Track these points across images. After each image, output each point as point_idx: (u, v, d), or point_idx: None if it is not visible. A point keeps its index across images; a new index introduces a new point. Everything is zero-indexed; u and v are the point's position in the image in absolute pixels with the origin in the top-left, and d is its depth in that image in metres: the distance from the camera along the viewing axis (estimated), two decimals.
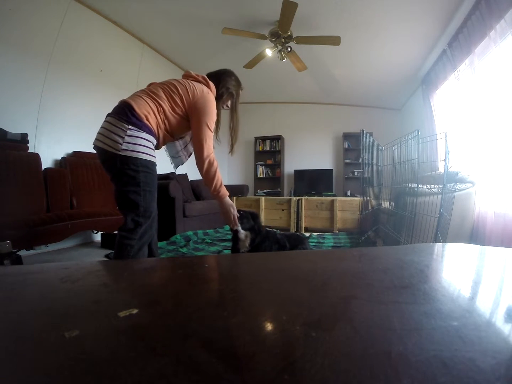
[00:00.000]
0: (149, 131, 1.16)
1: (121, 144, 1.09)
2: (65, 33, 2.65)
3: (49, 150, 2.52)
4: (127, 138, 1.10)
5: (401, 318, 0.24)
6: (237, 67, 4.08)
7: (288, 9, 2.62)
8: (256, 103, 5.95)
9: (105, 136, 1.12)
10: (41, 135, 2.47)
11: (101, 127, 1.16)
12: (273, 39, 3.24)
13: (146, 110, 1.16)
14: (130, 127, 1.11)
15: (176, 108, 1.24)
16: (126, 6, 2.91)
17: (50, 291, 0.33)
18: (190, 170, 4.33)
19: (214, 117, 1.29)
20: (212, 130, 1.28)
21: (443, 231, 1.88)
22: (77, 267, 0.47)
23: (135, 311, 0.25)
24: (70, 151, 2.71)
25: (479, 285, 0.35)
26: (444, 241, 1.90)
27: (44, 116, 2.48)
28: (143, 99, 1.18)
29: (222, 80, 1.41)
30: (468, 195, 2.25)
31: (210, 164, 1.26)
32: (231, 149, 1.50)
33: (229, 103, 1.47)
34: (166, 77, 1.39)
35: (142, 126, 1.13)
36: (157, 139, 1.25)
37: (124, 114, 1.12)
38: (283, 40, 3.22)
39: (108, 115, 1.17)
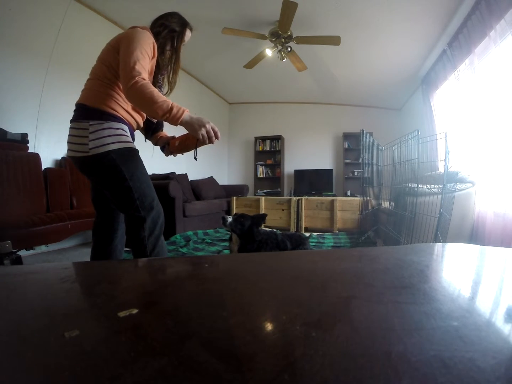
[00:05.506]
0: (113, 118, 1.07)
1: (88, 144, 1.03)
2: (65, 33, 2.65)
3: (49, 150, 2.52)
4: (91, 136, 1.03)
5: (401, 318, 0.24)
6: (237, 67, 4.16)
7: (288, 9, 2.62)
8: (256, 103, 5.95)
9: (72, 143, 1.07)
10: (41, 135, 2.47)
11: (68, 136, 1.10)
12: (273, 39, 3.24)
13: (99, 97, 1.06)
14: (91, 122, 1.04)
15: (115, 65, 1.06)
16: (126, 6, 2.91)
17: (50, 291, 0.33)
18: (190, 170, 4.34)
19: (145, 44, 1.03)
20: (145, 55, 1.02)
21: (443, 231, 1.88)
22: (77, 267, 0.47)
23: (135, 311, 0.25)
24: None
25: (479, 285, 0.35)
26: (444, 241, 1.90)
27: (44, 116, 2.48)
28: (90, 87, 1.09)
29: (159, 19, 1.18)
30: (468, 195, 2.25)
31: (140, 83, 0.95)
32: (169, 92, 1.25)
33: (169, 45, 1.17)
34: None
35: (102, 115, 1.05)
36: (129, 120, 1.14)
37: (80, 114, 1.08)
38: (283, 40, 3.22)
39: (70, 122, 1.11)
